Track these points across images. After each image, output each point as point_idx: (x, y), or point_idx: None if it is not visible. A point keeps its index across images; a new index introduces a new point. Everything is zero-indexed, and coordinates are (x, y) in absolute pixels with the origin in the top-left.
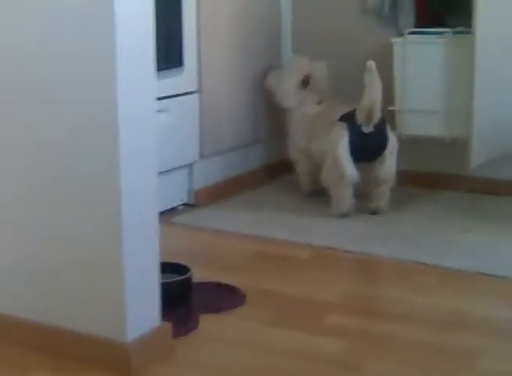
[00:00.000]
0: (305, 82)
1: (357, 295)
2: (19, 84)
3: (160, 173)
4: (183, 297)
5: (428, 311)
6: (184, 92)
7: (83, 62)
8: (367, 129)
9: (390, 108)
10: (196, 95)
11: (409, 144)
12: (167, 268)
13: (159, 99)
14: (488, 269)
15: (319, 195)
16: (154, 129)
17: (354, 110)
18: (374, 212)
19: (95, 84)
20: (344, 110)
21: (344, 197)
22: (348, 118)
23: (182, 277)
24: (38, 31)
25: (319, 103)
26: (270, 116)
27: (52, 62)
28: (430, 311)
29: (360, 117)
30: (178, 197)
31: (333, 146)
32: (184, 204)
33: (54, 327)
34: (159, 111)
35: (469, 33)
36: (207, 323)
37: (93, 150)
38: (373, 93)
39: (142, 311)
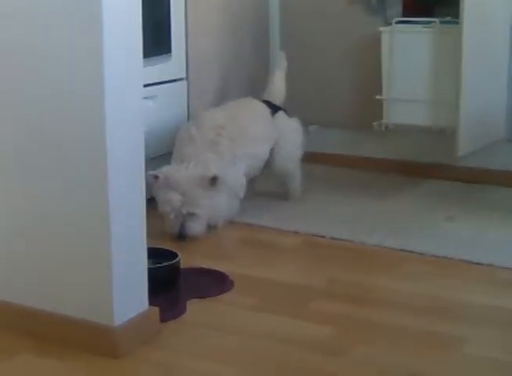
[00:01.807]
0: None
1: (343, 282)
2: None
3: (148, 159)
4: (171, 282)
5: (413, 298)
6: (172, 79)
7: (71, 48)
8: None
9: (377, 97)
10: (183, 82)
11: (396, 133)
12: (155, 253)
13: (146, 85)
14: (473, 257)
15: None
16: (141, 116)
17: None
18: (285, 197)
19: (82, 72)
20: None
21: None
22: None
23: (170, 263)
24: (27, 9)
25: None
26: None
27: (39, 50)
28: (416, 298)
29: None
30: None
31: None
32: None
33: (41, 310)
34: (146, 98)
35: (456, 23)
36: (195, 308)
37: (81, 136)
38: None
39: (129, 295)
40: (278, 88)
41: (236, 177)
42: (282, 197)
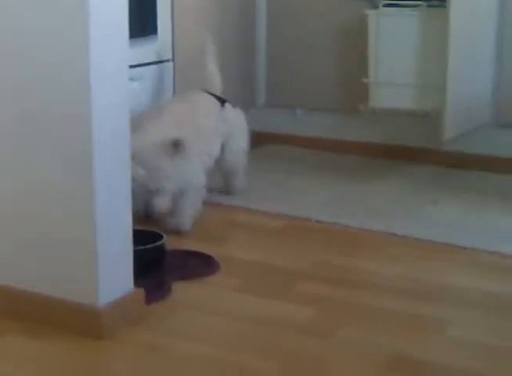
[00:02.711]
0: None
1: (327, 264)
2: None
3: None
4: (156, 264)
5: (398, 281)
6: (158, 60)
7: (56, 28)
8: None
9: (364, 80)
10: (170, 64)
11: (382, 117)
12: (140, 235)
13: (133, 66)
14: (457, 241)
15: None
16: (127, 97)
17: None
18: (227, 192)
19: (67, 52)
20: None
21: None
22: None
23: (155, 244)
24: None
25: None
26: (242, 85)
27: (25, 32)
28: (400, 281)
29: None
30: None
31: None
32: None
33: (26, 291)
34: (132, 79)
35: (443, 6)
36: (180, 290)
37: (67, 116)
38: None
39: (114, 276)
40: (215, 78)
41: (197, 175)
42: (224, 192)
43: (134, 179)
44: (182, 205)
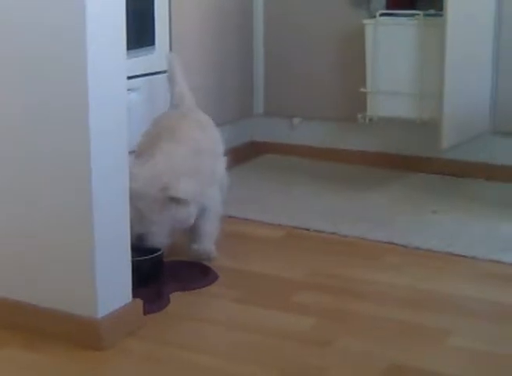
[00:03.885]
0: None
1: (327, 274)
2: None
3: (132, 152)
4: (154, 275)
5: (397, 290)
6: (155, 71)
7: (54, 39)
8: None
9: (361, 90)
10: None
11: (380, 126)
12: (138, 246)
13: (130, 77)
14: (457, 250)
15: None
16: (124, 108)
17: None
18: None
19: (65, 62)
20: None
21: None
22: None
23: (154, 255)
24: (8, 9)
25: None
26: (240, 95)
27: (23, 39)
28: (400, 290)
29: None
30: None
31: None
32: None
33: (25, 303)
34: (130, 90)
35: (440, 15)
36: (179, 300)
37: (64, 128)
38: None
39: (113, 288)
40: (186, 98)
41: (213, 198)
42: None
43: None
44: (204, 229)
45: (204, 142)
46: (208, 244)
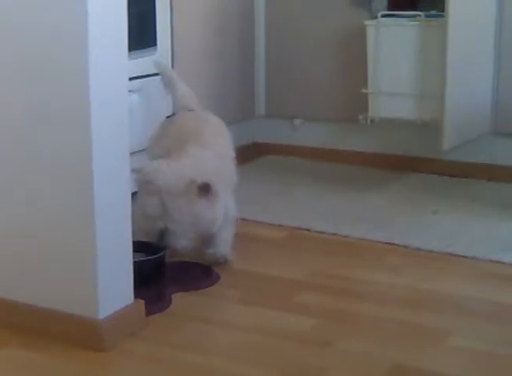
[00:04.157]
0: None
1: (328, 275)
2: None
3: (133, 153)
4: (156, 276)
5: (398, 290)
6: (157, 72)
7: (55, 40)
8: None
9: (363, 91)
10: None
11: (382, 127)
12: (140, 247)
13: (131, 79)
14: (457, 250)
15: None
16: (126, 109)
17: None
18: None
19: (66, 63)
20: None
21: None
22: None
23: (155, 256)
24: (9, 9)
25: None
26: (242, 98)
27: (24, 39)
28: (400, 290)
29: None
30: None
31: None
32: None
33: (26, 304)
34: (131, 91)
35: (441, 16)
36: (180, 301)
37: (64, 129)
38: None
39: (114, 289)
40: (190, 100)
41: (229, 204)
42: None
43: (145, 208)
44: (221, 234)
45: (225, 146)
46: (224, 247)
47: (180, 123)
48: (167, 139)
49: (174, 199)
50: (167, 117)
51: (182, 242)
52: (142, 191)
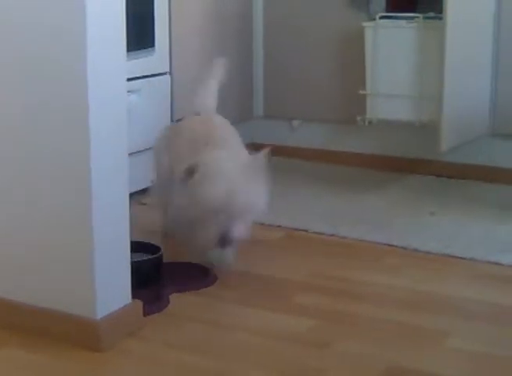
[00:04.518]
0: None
1: (325, 276)
2: None
3: (131, 154)
4: (153, 276)
5: (397, 292)
6: (155, 73)
7: (54, 41)
8: None
9: (361, 92)
10: (167, 77)
11: (380, 128)
12: (138, 247)
13: (130, 79)
14: (455, 251)
15: None
16: (124, 109)
17: None
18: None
19: (65, 63)
20: None
21: None
22: None
23: (153, 256)
24: (8, 9)
25: None
26: (240, 99)
27: (23, 40)
28: (398, 291)
29: None
30: (149, 178)
31: None
32: None
33: (24, 304)
34: (130, 92)
35: (440, 18)
36: (178, 302)
37: (63, 130)
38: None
39: (112, 289)
40: (211, 100)
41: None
42: None
43: (217, 199)
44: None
45: (243, 150)
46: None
47: (189, 126)
48: (178, 142)
49: (247, 186)
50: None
51: (247, 231)
52: (205, 184)
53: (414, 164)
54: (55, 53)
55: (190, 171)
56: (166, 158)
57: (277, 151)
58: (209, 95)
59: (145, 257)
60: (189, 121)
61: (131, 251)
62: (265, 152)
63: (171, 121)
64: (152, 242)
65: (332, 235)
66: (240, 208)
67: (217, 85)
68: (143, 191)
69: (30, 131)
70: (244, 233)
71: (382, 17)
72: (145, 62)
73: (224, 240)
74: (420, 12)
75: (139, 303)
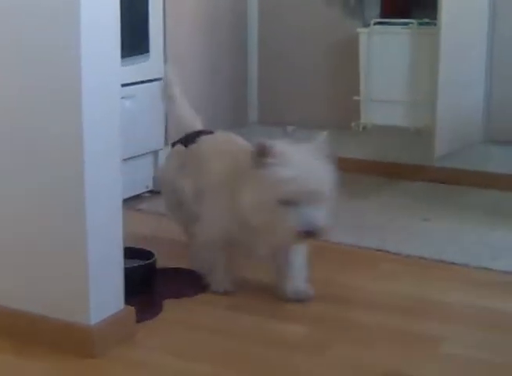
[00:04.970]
0: None
1: (319, 281)
2: None
3: (126, 160)
4: (147, 282)
5: (390, 297)
6: (150, 78)
7: (49, 48)
8: None
9: (355, 98)
10: (161, 82)
11: (374, 134)
12: (131, 253)
13: (125, 85)
14: (448, 257)
15: None
16: (118, 115)
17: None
18: None
19: (59, 70)
20: None
21: None
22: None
23: (146, 262)
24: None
25: None
26: (235, 105)
27: (18, 25)
28: (392, 297)
29: None
30: (144, 184)
31: None
32: (149, 191)
33: (17, 310)
34: (125, 98)
35: (434, 24)
36: (171, 307)
37: (57, 136)
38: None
39: (105, 295)
40: (193, 120)
41: None
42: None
43: (293, 183)
44: (295, 258)
45: None
46: (302, 279)
47: (217, 147)
48: (197, 165)
49: (321, 169)
50: (175, 142)
51: (328, 219)
52: (282, 167)
53: (408, 169)
54: (48, 59)
55: (262, 153)
56: (189, 185)
57: None
58: (188, 111)
59: (138, 263)
60: (210, 142)
61: (125, 257)
62: (323, 136)
63: (166, 126)
64: (146, 248)
65: (325, 241)
66: (317, 193)
67: (183, 97)
68: (138, 196)
69: (24, 140)
70: (326, 222)
71: (376, 23)
72: (140, 68)
73: (308, 232)
74: (414, 19)
75: (132, 309)
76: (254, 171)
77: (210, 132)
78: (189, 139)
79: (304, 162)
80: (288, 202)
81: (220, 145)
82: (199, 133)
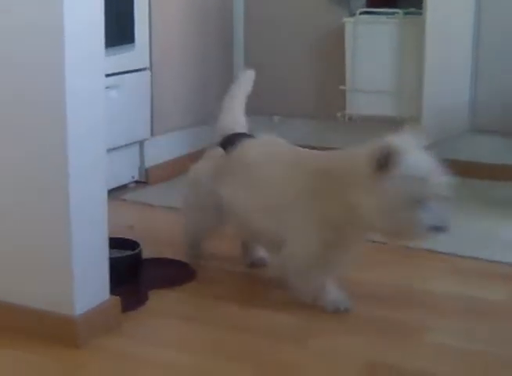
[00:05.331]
0: None
1: None
2: None
3: (112, 150)
4: (132, 272)
5: (375, 286)
6: (135, 68)
7: (32, 36)
8: None
9: (341, 87)
10: (147, 72)
11: (360, 124)
12: (117, 243)
13: (109, 75)
14: (436, 247)
15: None
16: (103, 105)
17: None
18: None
19: (43, 59)
20: None
21: None
22: None
23: (132, 252)
24: None
25: None
26: (220, 96)
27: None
28: (378, 286)
29: None
30: (130, 174)
31: None
32: (135, 182)
33: (2, 301)
34: (109, 88)
35: (420, 14)
36: (156, 298)
37: (40, 125)
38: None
39: (90, 285)
40: (240, 117)
41: None
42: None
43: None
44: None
45: None
46: (339, 290)
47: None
48: (248, 175)
49: (437, 165)
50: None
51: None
52: (410, 167)
53: None
54: (31, 50)
55: (384, 159)
56: (241, 197)
57: None
58: (238, 112)
59: (124, 253)
60: (259, 149)
61: (110, 248)
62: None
63: (151, 116)
64: (131, 238)
65: None
66: (445, 188)
67: (244, 100)
68: (124, 187)
69: (6, 127)
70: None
71: (362, 13)
72: (125, 57)
73: (440, 227)
74: (400, 8)
75: (117, 300)
76: (377, 174)
77: (251, 136)
78: (228, 142)
79: (424, 158)
80: (422, 200)
81: (274, 154)
82: (238, 136)
